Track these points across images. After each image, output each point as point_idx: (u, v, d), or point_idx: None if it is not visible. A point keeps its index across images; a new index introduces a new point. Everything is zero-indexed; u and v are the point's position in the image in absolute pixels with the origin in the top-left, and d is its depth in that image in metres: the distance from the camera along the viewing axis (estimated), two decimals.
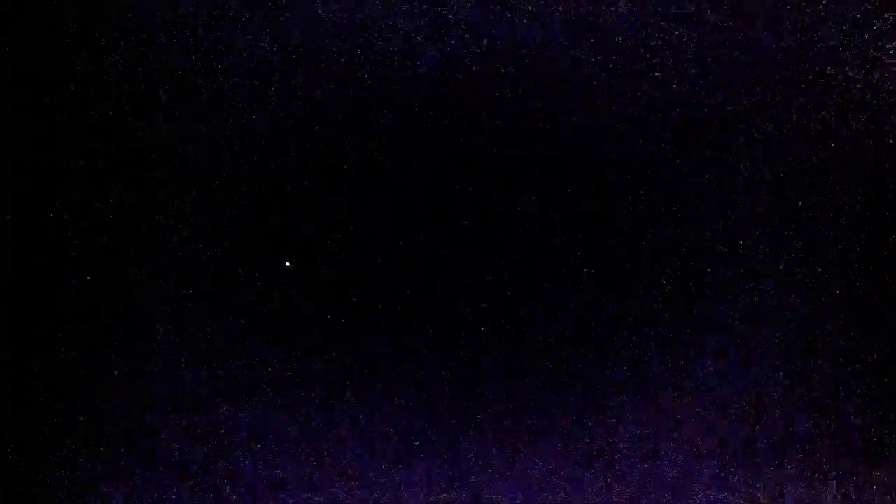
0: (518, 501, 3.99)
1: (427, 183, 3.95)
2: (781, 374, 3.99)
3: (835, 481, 3.99)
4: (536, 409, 4.00)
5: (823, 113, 3.94)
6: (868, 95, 3.93)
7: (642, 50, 3.92)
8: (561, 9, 3.89)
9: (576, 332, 4.00)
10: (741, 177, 3.96)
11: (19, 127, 3.80)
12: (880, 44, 3.91)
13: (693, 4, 3.91)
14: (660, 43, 3.93)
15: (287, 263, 3.80)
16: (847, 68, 3.93)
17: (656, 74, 3.93)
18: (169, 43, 3.81)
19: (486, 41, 3.90)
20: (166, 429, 3.86)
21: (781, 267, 3.98)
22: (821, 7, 3.89)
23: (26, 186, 3.80)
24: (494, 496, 4.01)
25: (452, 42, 3.89)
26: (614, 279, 4.00)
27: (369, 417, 3.96)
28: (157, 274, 3.84)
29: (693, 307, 3.99)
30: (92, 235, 3.84)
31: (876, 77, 3.92)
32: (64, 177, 3.82)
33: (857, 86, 3.93)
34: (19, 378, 3.82)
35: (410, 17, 3.88)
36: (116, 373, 3.83)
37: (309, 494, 3.90)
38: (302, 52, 3.85)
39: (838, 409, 3.99)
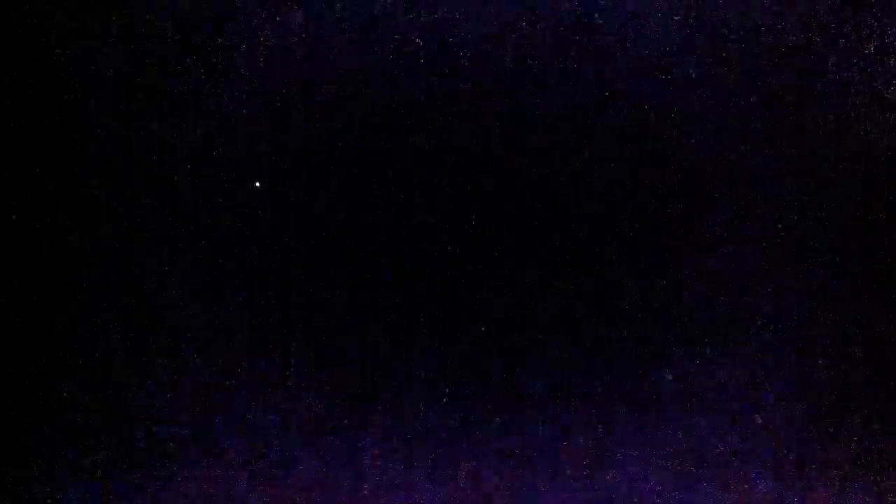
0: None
1: (426, 182, 3.94)
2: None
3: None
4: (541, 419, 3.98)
5: (825, 114, 3.96)
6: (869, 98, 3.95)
7: (638, 46, 3.94)
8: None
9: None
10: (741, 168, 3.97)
11: (17, 125, 3.79)
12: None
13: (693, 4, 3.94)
14: (658, 41, 3.94)
15: (257, 184, 3.72)
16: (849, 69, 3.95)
17: (655, 73, 3.94)
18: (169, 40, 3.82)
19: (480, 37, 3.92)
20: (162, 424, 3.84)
21: (782, 267, 3.98)
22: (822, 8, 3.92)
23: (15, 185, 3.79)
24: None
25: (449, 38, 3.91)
26: (615, 279, 4.00)
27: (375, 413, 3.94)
28: (155, 272, 3.83)
29: (695, 308, 3.99)
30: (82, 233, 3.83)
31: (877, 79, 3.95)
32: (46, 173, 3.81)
33: (858, 86, 3.96)
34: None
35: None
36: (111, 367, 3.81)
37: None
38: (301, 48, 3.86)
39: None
